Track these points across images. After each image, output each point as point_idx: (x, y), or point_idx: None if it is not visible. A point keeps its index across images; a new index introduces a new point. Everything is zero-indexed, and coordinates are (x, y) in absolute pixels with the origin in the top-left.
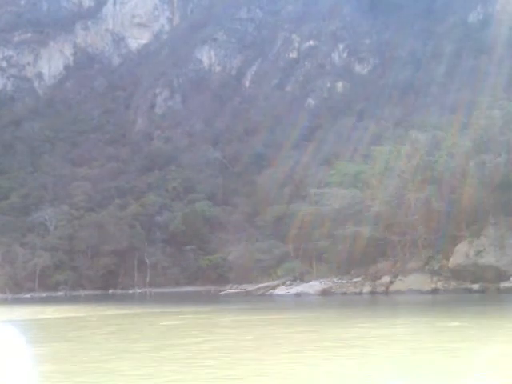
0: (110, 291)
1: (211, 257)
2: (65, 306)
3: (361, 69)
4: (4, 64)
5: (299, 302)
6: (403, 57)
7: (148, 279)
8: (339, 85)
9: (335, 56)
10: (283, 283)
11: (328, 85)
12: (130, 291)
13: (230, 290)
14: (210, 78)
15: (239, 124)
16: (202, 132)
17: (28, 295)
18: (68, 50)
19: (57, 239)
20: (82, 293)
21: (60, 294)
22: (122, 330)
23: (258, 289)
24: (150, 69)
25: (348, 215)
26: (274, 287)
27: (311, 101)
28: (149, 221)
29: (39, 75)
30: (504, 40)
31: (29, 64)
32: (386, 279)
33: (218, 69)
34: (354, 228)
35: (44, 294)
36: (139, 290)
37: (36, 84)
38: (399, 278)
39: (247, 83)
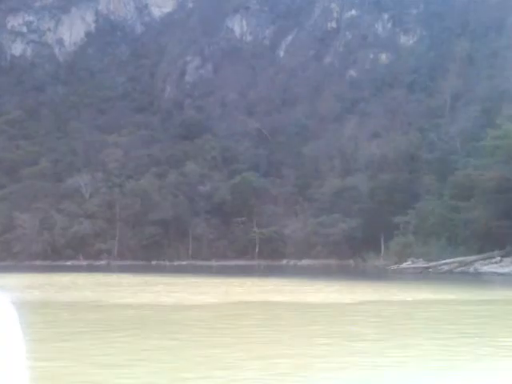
0: (154, 262)
1: (264, 230)
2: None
3: (406, 40)
4: (24, 29)
5: None
6: (453, 28)
7: (191, 251)
8: (383, 56)
9: (379, 26)
10: (485, 258)
11: (371, 56)
12: (175, 263)
13: (405, 265)
14: (241, 47)
15: (276, 94)
16: (236, 102)
17: (68, 262)
18: (90, 17)
19: (95, 206)
20: (127, 263)
21: (102, 262)
22: None
23: (442, 264)
24: (178, 37)
25: None
26: (469, 263)
27: (353, 72)
28: (191, 191)
29: (60, 41)
30: None
31: (49, 30)
32: None
33: (249, 38)
34: None
35: (85, 263)
36: (184, 262)
37: (56, 50)
38: None
39: (281, 53)
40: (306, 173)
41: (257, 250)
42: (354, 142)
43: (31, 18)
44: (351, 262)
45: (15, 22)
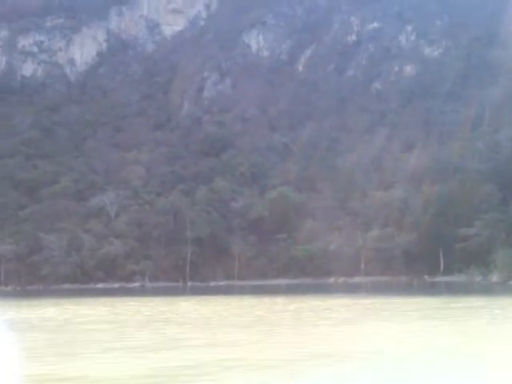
0: (189, 283)
1: (308, 246)
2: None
3: (431, 51)
4: (35, 49)
5: None
6: (481, 38)
7: (228, 271)
8: (408, 68)
9: (402, 38)
10: None
11: (395, 68)
12: (211, 284)
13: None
14: (258, 62)
15: (298, 109)
16: (257, 117)
17: (100, 285)
18: (101, 36)
19: (124, 225)
20: (161, 284)
21: (136, 285)
22: None
23: None
24: (191, 53)
25: None
26: None
27: (377, 85)
28: (223, 207)
29: (71, 61)
30: None
31: (60, 50)
32: None
33: (266, 53)
34: None
35: (116, 285)
36: (221, 283)
37: (68, 70)
38: None
39: (300, 68)
40: (342, 186)
41: (299, 267)
42: (388, 153)
43: (42, 38)
44: (404, 277)
45: (26, 41)
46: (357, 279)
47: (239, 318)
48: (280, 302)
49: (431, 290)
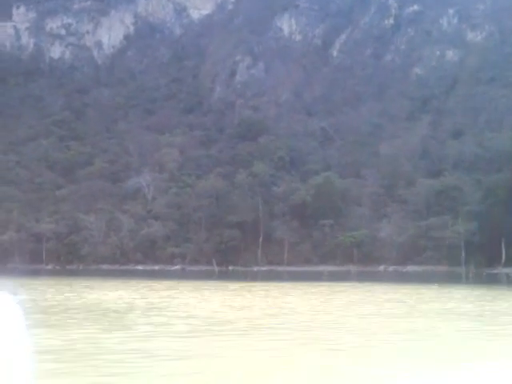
0: (231, 268)
1: (355, 233)
2: None
3: (474, 36)
4: (63, 32)
5: None
6: None
7: (270, 256)
8: (450, 53)
9: (443, 22)
10: None
11: (437, 53)
12: (255, 269)
13: None
14: (291, 46)
15: (334, 94)
16: (291, 101)
17: (139, 267)
18: (128, 19)
19: (163, 207)
20: (202, 268)
21: (176, 268)
22: None
23: None
24: (220, 38)
25: None
26: None
27: (418, 70)
28: (265, 192)
29: (98, 44)
30: None
31: (88, 32)
32: None
33: (298, 37)
34: None
35: (156, 267)
36: (263, 268)
37: (95, 53)
38: None
39: (335, 53)
40: (387, 173)
41: (346, 254)
42: (434, 140)
43: (70, 21)
44: (462, 268)
45: (54, 24)
46: (409, 268)
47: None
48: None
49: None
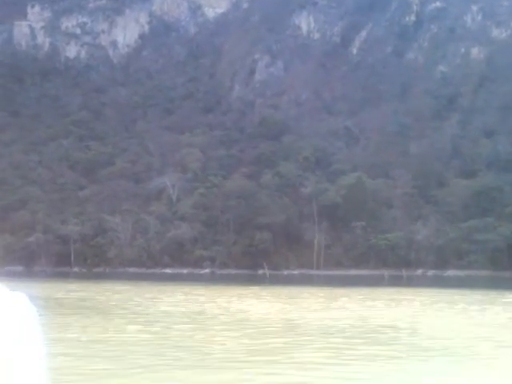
0: (260, 271)
1: (390, 235)
2: None
3: (499, 33)
4: (78, 31)
5: None
6: None
7: (302, 259)
8: (475, 50)
9: (467, 19)
10: None
11: (462, 50)
12: (285, 272)
13: None
14: (309, 44)
15: (356, 93)
16: (311, 100)
17: (168, 270)
18: (143, 19)
19: (189, 208)
20: (232, 271)
21: (206, 271)
22: None
23: None
24: (236, 36)
25: None
26: None
27: (442, 68)
28: (292, 193)
29: (114, 43)
30: None
31: (103, 32)
32: None
33: (317, 35)
34: None
35: (185, 271)
36: (295, 272)
37: (110, 52)
38: None
39: (354, 50)
40: (418, 173)
41: (380, 258)
42: (465, 139)
43: (85, 20)
44: (508, 272)
45: (69, 23)
46: (449, 273)
47: None
48: None
49: None
